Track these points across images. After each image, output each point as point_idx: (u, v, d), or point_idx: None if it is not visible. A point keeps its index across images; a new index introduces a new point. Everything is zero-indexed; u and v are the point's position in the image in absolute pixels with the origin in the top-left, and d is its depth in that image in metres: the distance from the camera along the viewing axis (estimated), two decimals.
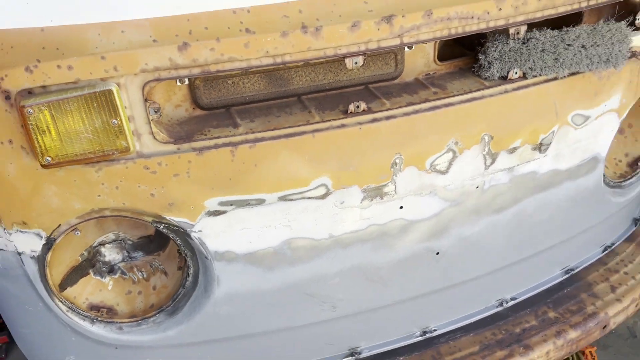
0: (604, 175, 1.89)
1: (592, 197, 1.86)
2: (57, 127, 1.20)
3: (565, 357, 2.22)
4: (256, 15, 1.21)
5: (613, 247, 2.16)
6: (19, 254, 1.40)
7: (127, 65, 1.18)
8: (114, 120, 1.21)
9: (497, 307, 1.92)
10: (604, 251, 2.14)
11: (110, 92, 1.18)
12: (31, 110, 1.17)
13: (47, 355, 1.68)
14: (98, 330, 1.54)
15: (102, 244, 1.57)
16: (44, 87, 1.18)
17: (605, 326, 1.96)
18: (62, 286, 1.50)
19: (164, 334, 1.55)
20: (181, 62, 1.19)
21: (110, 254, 1.59)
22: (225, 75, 1.34)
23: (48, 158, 1.22)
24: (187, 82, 1.30)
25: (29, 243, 1.37)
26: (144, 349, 1.58)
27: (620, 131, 2.06)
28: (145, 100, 1.24)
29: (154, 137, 1.27)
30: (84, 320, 1.53)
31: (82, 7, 1.17)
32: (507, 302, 1.93)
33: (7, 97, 1.18)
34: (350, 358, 1.77)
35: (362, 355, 1.78)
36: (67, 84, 1.18)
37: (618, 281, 2.06)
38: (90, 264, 1.55)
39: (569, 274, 2.04)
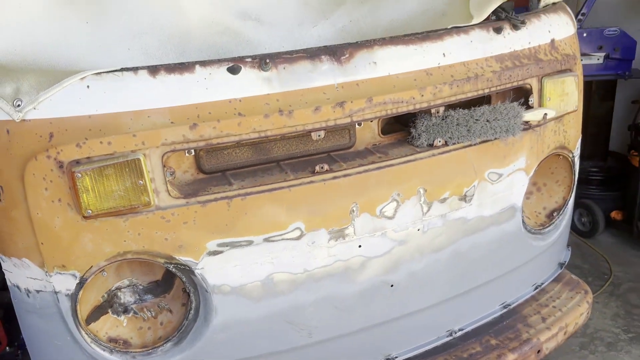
0: (524, 224, 2.35)
1: (515, 241, 2.30)
2: (97, 187, 1.61)
3: None
4: (246, 103, 1.68)
5: (543, 285, 2.58)
6: (56, 292, 1.74)
7: (151, 141, 1.62)
8: (140, 181, 1.63)
9: (447, 336, 2.28)
10: (535, 289, 2.55)
11: (138, 160, 1.61)
12: (79, 175, 1.58)
13: None
14: (115, 359, 1.85)
15: (118, 288, 1.92)
16: (89, 157, 1.60)
17: (539, 350, 2.33)
18: (88, 321, 1.83)
19: None
20: (191, 137, 1.64)
21: (125, 297, 1.93)
22: (222, 147, 1.78)
23: (89, 211, 1.62)
24: (193, 153, 1.74)
25: (66, 283, 1.73)
26: None
27: (538, 189, 2.56)
28: (163, 166, 1.66)
29: (169, 194, 1.68)
30: (104, 350, 1.84)
31: (118, 100, 1.62)
32: (455, 333, 2.30)
33: (61, 166, 1.60)
34: None
35: None
36: (106, 155, 1.60)
37: (548, 313, 2.45)
38: (109, 304, 1.90)
39: (507, 308, 2.43)
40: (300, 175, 1.80)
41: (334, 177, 1.82)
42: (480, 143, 2.02)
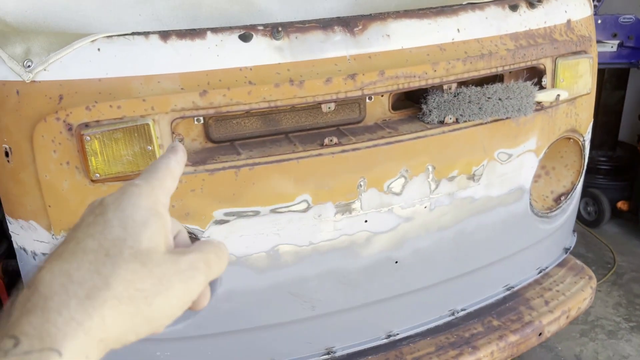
0: (532, 206, 2.34)
1: (521, 223, 2.29)
2: (106, 151, 1.60)
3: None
4: (257, 72, 1.67)
5: (547, 269, 2.57)
6: None
7: (161, 106, 1.61)
8: (149, 147, 1.62)
9: (449, 316, 2.29)
10: (539, 273, 2.55)
11: (147, 125, 1.61)
12: (88, 138, 1.58)
13: None
14: None
15: None
16: (98, 121, 1.59)
17: (540, 333, 2.33)
18: None
19: (173, 328, 1.88)
20: (201, 104, 1.63)
21: None
22: (231, 116, 1.77)
23: (97, 175, 1.62)
24: (202, 121, 1.73)
25: None
26: (156, 341, 1.90)
27: (546, 172, 2.54)
28: (172, 132, 1.66)
29: None
30: None
31: (129, 64, 1.61)
32: (457, 312, 2.30)
33: (70, 129, 1.59)
34: (326, 356, 2.10)
35: (337, 355, 2.11)
36: (116, 119, 1.60)
37: (551, 297, 2.45)
38: None
39: (510, 291, 2.44)
40: (309, 147, 1.79)
41: (343, 151, 1.81)
42: (491, 122, 2.00)
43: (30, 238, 1.77)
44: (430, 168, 1.94)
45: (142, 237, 0.56)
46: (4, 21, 1.72)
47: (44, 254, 1.78)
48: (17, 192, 1.72)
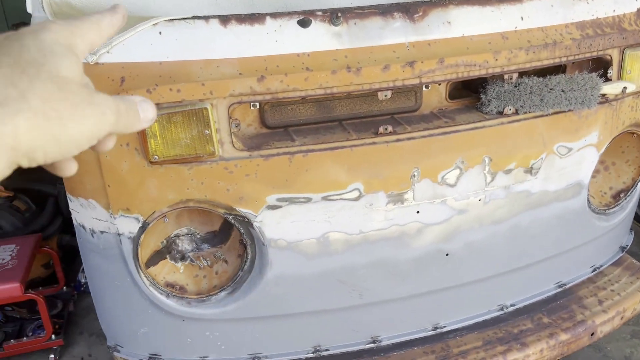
0: (589, 202, 2.26)
1: (578, 219, 2.22)
2: (165, 134, 1.63)
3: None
4: (314, 58, 1.66)
5: (601, 268, 2.49)
6: (119, 235, 1.80)
7: (219, 91, 1.62)
8: (206, 131, 1.64)
9: (498, 311, 2.25)
10: (593, 271, 2.46)
11: (205, 109, 1.62)
12: None
13: (124, 328, 2.05)
14: (171, 303, 1.91)
15: (177, 235, 1.96)
16: (158, 104, 1.62)
17: (593, 333, 2.27)
18: (147, 265, 1.89)
19: (224, 309, 1.91)
20: (258, 89, 1.63)
21: (183, 244, 1.98)
22: (287, 102, 1.77)
23: (156, 157, 1.65)
24: (258, 106, 1.73)
25: (129, 226, 1.78)
26: (206, 321, 1.94)
27: (606, 168, 2.44)
28: (229, 117, 1.67)
29: (233, 146, 1.69)
30: (161, 294, 1.90)
31: (189, 48, 1.63)
32: (507, 308, 2.26)
33: None
34: (372, 345, 2.10)
35: (382, 344, 2.11)
36: (175, 102, 1.62)
37: (605, 297, 2.38)
38: (167, 250, 1.95)
39: (562, 288, 2.37)
40: (363, 135, 1.77)
41: (397, 140, 1.78)
42: (552, 114, 1.93)
43: (89, 216, 1.83)
44: (486, 160, 1.89)
45: (60, 66, 0.56)
46: (69, 3, 1.76)
47: (102, 232, 1.83)
48: (79, 171, 1.77)
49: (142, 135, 1.63)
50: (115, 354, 2.10)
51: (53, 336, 3.26)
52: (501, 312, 2.25)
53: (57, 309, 3.59)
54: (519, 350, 2.12)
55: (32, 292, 3.24)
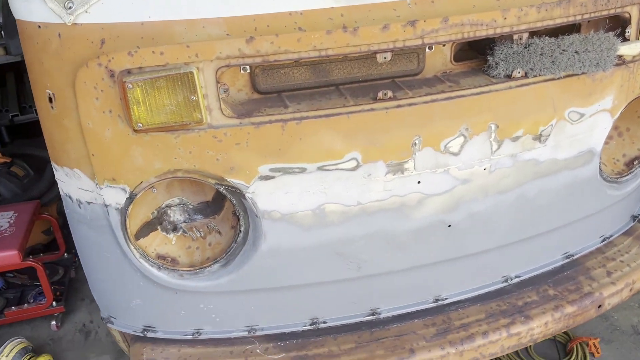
0: (600, 171, 2.15)
1: (588, 188, 2.11)
2: (149, 100, 1.53)
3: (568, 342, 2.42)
4: (307, 17, 1.54)
5: (611, 238, 2.40)
6: (106, 206, 1.73)
7: (206, 53, 1.52)
8: (193, 97, 1.54)
9: (502, 282, 2.17)
10: (602, 241, 2.37)
11: (191, 73, 1.52)
12: (130, 86, 1.51)
13: (117, 299, 2.00)
14: (163, 275, 1.85)
15: (169, 206, 1.89)
16: (140, 68, 1.51)
17: (600, 305, 2.19)
18: (137, 236, 1.82)
19: (217, 282, 1.85)
20: (247, 52, 1.52)
21: (175, 215, 1.91)
22: (279, 65, 1.66)
23: (140, 124, 1.56)
24: (248, 70, 1.62)
25: (116, 196, 1.70)
26: (199, 294, 1.89)
27: (619, 134, 2.32)
28: (217, 82, 1.56)
29: (222, 112, 1.59)
30: (152, 266, 1.84)
31: (173, 6, 1.51)
32: (511, 279, 2.18)
33: (112, 75, 1.52)
34: (371, 317, 2.04)
35: (382, 316, 2.05)
36: (159, 66, 1.51)
37: (614, 268, 2.29)
38: (158, 221, 1.88)
39: (569, 259, 2.28)
40: (361, 101, 1.67)
41: (398, 106, 1.67)
42: (564, 77, 1.81)
43: (74, 186, 1.76)
44: (493, 127, 1.78)
45: None
46: None
47: (88, 203, 1.76)
48: (61, 139, 1.69)
49: (125, 101, 1.53)
50: (109, 325, 2.06)
51: (54, 303, 3.24)
52: (505, 284, 2.18)
53: (59, 276, 3.57)
54: (523, 323, 2.05)
55: (32, 259, 3.21)
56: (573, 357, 2.84)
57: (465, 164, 1.80)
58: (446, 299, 2.10)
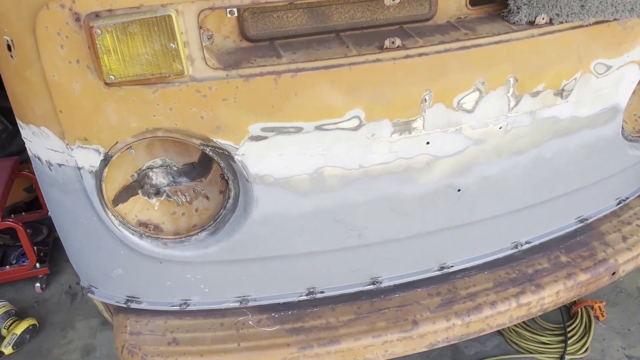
0: (622, 129, 1.98)
1: (609, 148, 1.94)
2: (121, 48, 1.32)
3: (574, 302, 2.31)
4: None
5: (627, 200, 2.25)
6: (79, 168, 1.55)
7: None
8: (172, 44, 1.33)
9: (511, 249, 2.03)
10: (618, 204, 2.23)
11: (169, 17, 1.31)
12: (99, 31, 1.30)
13: (96, 268, 1.85)
14: (145, 244, 1.69)
15: (150, 167, 1.71)
16: (110, 10, 1.30)
17: (614, 272, 2.07)
18: (115, 202, 1.65)
19: (205, 251, 1.70)
20: None
21: (157, 178, 1.73)
22: (271, 8, 1.44)
23: (112, 77, 1.36)
24: (236, 13, 1.41)
25: (89, 158, 1.52)
26: (186, 264, 1.73)
27: None
28: (200, 27, 1.35)
29: (206, 63, 1.39)
30: (133, 234, 1.68)
31: None
32: (521, 245, 2.04)
33: (77, 19, 1.31)
34: (371, 286, 1.91)
35: (383, 285, 1.92)
36: (132, 9, 1.30)
37: (630, 232, 2.15)
38: (139, 185, 1.70)
39: (583, 223, 2.14)
40: (365, 50, 1.46)
41: (407, 56, 1.47)
42: (593, 24, 1.60)
43: (43, 146, 1.57)
44: (511, 80, 1.59)
45: None
46: None
47: (59, 165, 1.58)
48: (24, 92, 1.49)
49: (94, 50, 1.32)
50: (90, 295, 1.91)
51: (38, 264, 3.10)
52: (515, 250, 2.04)
53: (42, 236, 3.42)
54: (534, 293, 1.92)
55: (12, 219, 3.04)
56: (577, 320, 2.75)
57: (480, 122, 1.62)
58: (452, 266, 1.96)
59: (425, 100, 1.53)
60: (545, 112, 1.70)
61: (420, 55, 1.48)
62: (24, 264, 3.12)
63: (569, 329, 2.71)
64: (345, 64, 1.45)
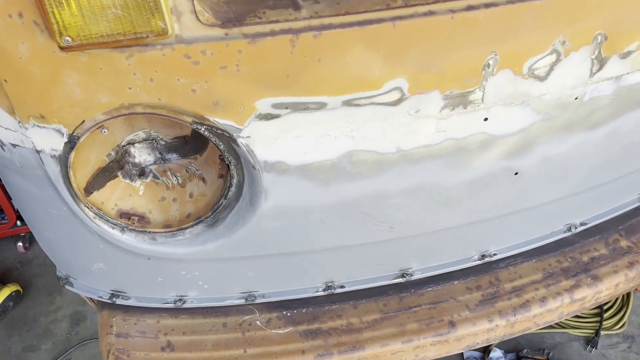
0: None
1: None
2: None
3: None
4: None
5: None
6: (38, 152, 1.20)
7: None
8: None
9: (564, 232, 1.73)
10: None
11: None
12: None
13: (73, 261, 1.55)
14: (129, 239, 1.38)
15: (131, 143, 1.36)
16: None
17: None
18: (88, 190, 1.32)
19: (203, 247, 1.39)
20: None
21: (141, 155, 1.39)
22: None
23: (68, 38, 0.99)
24: None
25: (49, 140, 1.17)
26: (180, 262, 1.43)
27: None
28: None
29: (197, 18, 1.01)
30: (113, 228, 1.36)
31: None
32: (575, 228, 1.73)
33: None
34: (400, 279, 1.62)
35: (414, 278, 1.63)
36: None
37: None
38: (118, 165, 1.36)
39: None
40: (413, 0, 1.08)
41: (469, 7, 1.09)
42: None
43: None
44: (599, 38, 1.21)
45: None
46: None
47: (13, 145, 1.23)
48: None
49: (40, 0, 0.94)
50: (68, 287, 1.62)
51: (18, 222, 2.82)
52: (568, 234, 1.73)
53: None
54: (590, 286, 1.65)
55: None
56: None
57: (552, 92, 1.26)
58: (495, 254, 1.67)
59: (489, 65, 1.16)
60: (632, 78, 1.33)
61: (487, 6, 1.09)
62: (4, 221, 2.83)
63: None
64: (387, 19, 1.06)
